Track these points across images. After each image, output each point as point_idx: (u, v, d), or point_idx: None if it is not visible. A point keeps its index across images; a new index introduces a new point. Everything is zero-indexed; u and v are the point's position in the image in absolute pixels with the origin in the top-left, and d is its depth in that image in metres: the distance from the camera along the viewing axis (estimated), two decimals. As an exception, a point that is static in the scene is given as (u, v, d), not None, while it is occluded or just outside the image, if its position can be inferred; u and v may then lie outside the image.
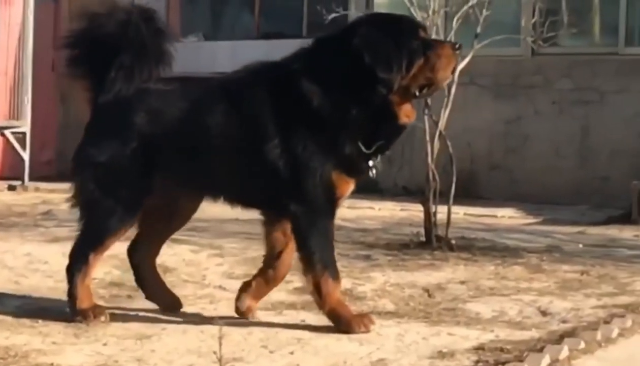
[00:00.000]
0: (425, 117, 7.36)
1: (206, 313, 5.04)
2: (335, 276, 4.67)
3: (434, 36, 7.17)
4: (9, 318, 4.84)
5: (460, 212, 9.04)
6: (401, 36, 4.63)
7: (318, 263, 4.63)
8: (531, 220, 9.73)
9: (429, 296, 5.62)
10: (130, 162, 4.74)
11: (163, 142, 4.75)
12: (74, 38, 4.99)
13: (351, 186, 4.72)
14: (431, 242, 7.29)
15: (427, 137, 7.41)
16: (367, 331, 4.63)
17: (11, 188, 12.21)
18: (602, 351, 4.44)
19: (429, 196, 7.38)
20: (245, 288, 4.95)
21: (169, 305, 5.06)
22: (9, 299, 5.32)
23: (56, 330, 4.65)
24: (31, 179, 12.49)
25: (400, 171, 11.60)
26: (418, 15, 7.30)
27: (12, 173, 12.66)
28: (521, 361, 4.13)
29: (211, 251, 6.89)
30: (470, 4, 7.77)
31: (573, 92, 11.35)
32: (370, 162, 4.69)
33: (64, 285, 4.93)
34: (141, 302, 5.28)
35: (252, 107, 4.66)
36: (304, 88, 4.59)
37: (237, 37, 13.67)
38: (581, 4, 11.76)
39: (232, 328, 4.60)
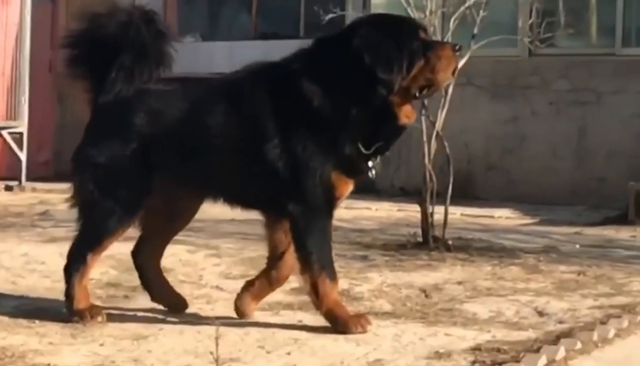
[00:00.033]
0: (423, 118, 7.36)
1: (203, 314, 5.04)
2: (333, 277, 4.68)
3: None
4: (6, 319, 4.84)
5: (457, 212, 9.04)
6: (401, 37, 4.63)
7: (315, 263, 4.63)
8: (528, 221, 9.74)
9: (426, 296, 5.63)
10: (129, 163, 4.74)
11: (163, 143, 4.75)
12: (75, 38, 4.99)
13: (350, 187, 4.73)
14: (428, 242, 7.30)
15: (424, 138, 7.42)
16: (364, 331, 4.63)
17: (8, 188, 12.21)
18: (599, 351, 4.44)
19: (426, 196, 7.39)
20: (247, 287, 4.94)
21: (174, 306, 5.05)
22: (6, 300, 5.32)
23: (53, 330, 4.65)
24: (28, 179, 12.48)
25: (397, 171, 11.61)
26: (415, 16, 7.29)
27: (9, 173, 12.66)
28: (518, 361, 4.13)
29: (208, 252, 6.89)
30: (467, 4, 7.78)
31: (570, 93, 11.35)
32: (370, 163, 4.69)
33: (61, 285, 4.93)
34: (138, 302, 5.28)
35: (252, 108, 4.67)
36: (304, 88, 4.60)
37: (234, 37, 13.67)
38: (578, 4, 11.77)
39: (229, 329, 4.61)
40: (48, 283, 5.75)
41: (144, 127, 4.75)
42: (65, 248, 4.94)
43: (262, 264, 6.43)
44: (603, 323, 4.90)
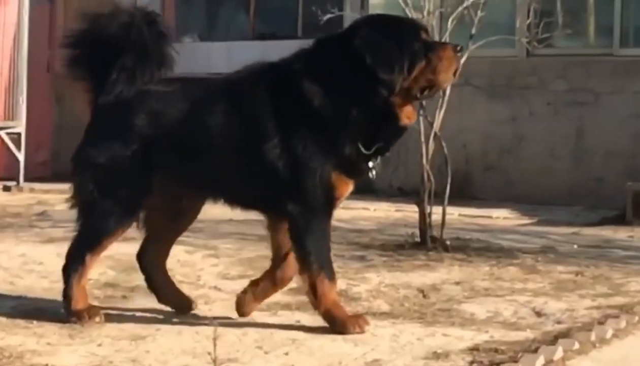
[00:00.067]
0: (420, 118, 7.35)
1: (201, 314, 5.04)
2: (331, 277, 4.68)
3: (429, 37, 7.17)
4: (3, 319, 4.84)
5: (455, 213, 9.04)
6: (403, 38, 4.62)
7: (314, 264, 4.63)
8: (526, 221, 9.74)
9: (424, 296, 5.63)
10: (129, 164, 4.74)
11: (164, 143, 4.75)
12: (76, 38, 4.98)
13: (350, 187, 4.73)
14: (426, 243, 7.30)
15: (422, 138, 7.42)
16: (362, 332, 4.63)
17: (6, 189, 12.21)
18: (597, 352, 4.44)
19: (423, 196, 7.39)
20: (251, 287, 4.93)
21: (182, 307, 5.04)
22: (4, 300, 5.32)
23: (51, 330, 4.65)
24: (26, 179, 12.48)
25: (395, 171, 11.60)
26: (413, 16, 7.30)
27: (7, 174, 12.65)
28: (515, 362, 4.14)
29: (206, 252, 6.89)
30: (465, 5, 7.79)
31: (568, 93, 11.36)
32: (370, 164, 4.69)
33: (58, 286, 4.93)
34: (136, 303, 5.29)
35: (252, 108, 4.66)
36: (304, 88, 4.59)
37: (232, 37, 13.66)
38: (576, 5, 11.77)
39: (227, 329, 4.61)
40: (46, 283, 5.75)
41: (144, 128, 4.75)
42: (63, 248, 4.94)
43: (261, 265, 6.45)
44: (601, 323, 4.90)
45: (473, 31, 7.72)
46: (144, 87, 4.83)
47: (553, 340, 4.52)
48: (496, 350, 4.35)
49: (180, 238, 5.22)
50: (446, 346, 4.45)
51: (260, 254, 6.86)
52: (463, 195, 10.32)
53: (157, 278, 5.08)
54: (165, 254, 5.12)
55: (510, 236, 8.34)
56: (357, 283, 5.95)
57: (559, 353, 4.26)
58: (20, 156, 12.53)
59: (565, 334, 4.65)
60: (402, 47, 4.59)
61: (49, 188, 11.58)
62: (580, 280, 6.21)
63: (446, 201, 7.43)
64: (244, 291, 4.96)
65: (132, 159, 4.74)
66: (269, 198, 4.70)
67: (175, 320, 4.91)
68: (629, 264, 6.90)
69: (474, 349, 4.40)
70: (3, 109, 12.65)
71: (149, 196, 4.81)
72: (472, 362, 4.20)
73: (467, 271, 6.48)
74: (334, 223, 4.88)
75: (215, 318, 4.72)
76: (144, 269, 5.10)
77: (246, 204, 4.91)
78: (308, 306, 4.84)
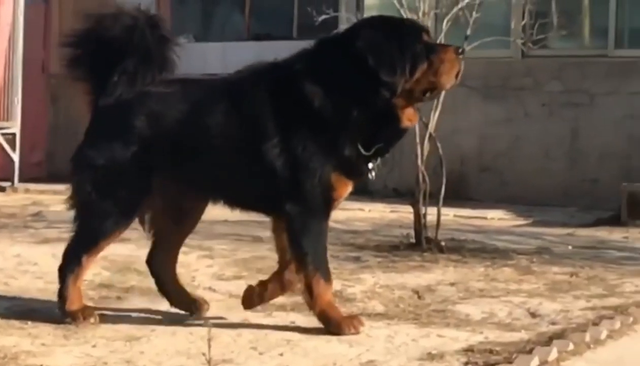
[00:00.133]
0: (415, 119, 7.35)
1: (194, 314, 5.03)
2: (327, 278, 4.68)
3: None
4: (-2, 320, 4.84)
5: (450, 214, 9.05)
6: (405, 39, 4.62)
7: (310, 264, 4.63)
8: (521, 222, 9.74)
9: (419, 297, 5.63)
10: (128, 166, 4.73)
11: (165, 145, 4.74)
12: (78, 38, 4.96)
13: (349, 188, 4.73)
14: (421, 244, 7.30)
15: (417, 139, 7.42)
16: (357, 332, 4.63)
17: (1, 189, 12.18)
18: (591, 352, 4.45)
19: (418, 197, 7.39)
20: (261, 286, 4.90)
21: (195, 309, 5.01)
22: (-2, 301, 5.32)
23: (46, 331, 4.64)
24: (21, 180, 12.46)
25: (390, 172, 11.59)
26: (408, 17, 7.30)
27: (2, 174, 12.62)
28: (510, 362, 4.14)
29: (201, 253, 6.89)
30: (460, 6, 7.79)
31: (563, 94, 11.37)
32: (370, 165, 4.69)
33: (53, 286, 4.93)
34: (130, 304, 5.28)
35: (253, 108, 4.66)
36: (305, 89, 4.59)
37: (227, 38, 13.66)
38: (571, 6, 11.78)
39: (222, 330, 4.61)
40: (41, 284, 5.74)
41: (144, 129, 4.75)
42: (58, 249, 4.93)
43: (255, 266, 6.46)
44: (595, 324, 4.91)
45: (468, 32, 7.72)
46: (144, 89, 4.83)
47: (547, 340, 4.53)
48: (491, 351, 4.35)
49: (175, 239, 5.21)
50: (441, 347, 4.45)
51: (255, 255, 6.87)
52: (458, 196, 10.32)
53: (167, 283, 5.08)
54: (174, 257, 5.10)
55: (505, 237, 8.34)
56: (352, 284, 5.95)
57: (553, 354, 4.26)
58: (15, 157, 12.51)
59: (560, 335, 4.65)
60: (404, 49, 4.59)
61: (44, 189, 11.57)
62: (575, 281, 6.21)
63: (441, 202, 7.43)
64: (252, 288, 4.93)
65: (131, 161, 4.73)
66: (269, 198, 4.70)
67: (169, 320, 4.90)
68: (624, 265, 6.90)
69: (469, 350, 4.40)
70: (-2, 109, 12.64)
71: (148, 198, 4.81)
72: (466, 363, 4.20)
73: (462, 272, 6.48)
74: (329, 223, 4.87)
75: (209, 318, 4.72)
76: (154, 274, 5.10)
77: (246, 205, 4.90)
78: (303, 307, 4.84)
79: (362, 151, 4.62)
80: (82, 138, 4.93)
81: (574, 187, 11.10)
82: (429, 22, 7.69)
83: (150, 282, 5.61)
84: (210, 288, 5.77)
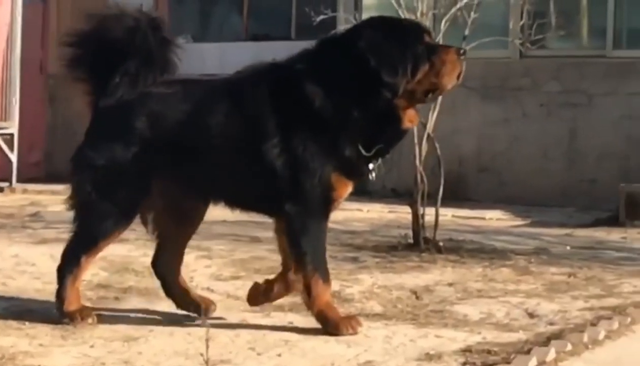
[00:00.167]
0: (414, 120, 7.35)
1: (194, 315, 5.03)
2: (326, 278, 4.68)
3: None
4: (-5, 320, 4.84)
5: (448, 214, 9.05)
6: (406, 40, 4.62)
7: (309, 264, 4.63)
8: (519, 222, 9.75)
9: (417, 298, 5.63)
10: (128, 167, 4.73)
11: (165, 146, 4.73)
12: (79, 38, 4.95)
13: (349, 189, 4.73)
14: (419, 244, 7.30)
15: (416, 140, 7.42)
16: (355, 333, 4.63)
17: (-1, 190, 12.20)
18: (589, 353, 4.45)
19: (417, 198, 7.39)
20: (267, 285, 4.90)
21: (202, 311, 4.98)
22: (-4, 301, 5.32)
23: (43, 332, 4.64)
24: (19, 180, 12.45)
25: (388, 173, 11.56)
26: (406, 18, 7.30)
27: (0, 175, 12.62)
28: (508, 363, 4.14)
29: (199, 253, 6.88)
30: (458, 6, 7.79)
31: (561, 95, 11.37)
32: (371, 166, 4.69)
33: (51, 287, 4.92)
34: (128, 304, 5.28)
35: (253, 108, 4.66)
36: (306, 89, 4.59)
37: (225, 38, 13.66)
38: (569, 6, 11.79)
39: (220, 330, 4.60)
40: (38, 284, 5.74)
41: (145, 130, 4.74)
42: (56, 249, 4.93)
43: (253, 266, 6.46)
44: (593, 324, 4.91)
45: (466, 32, 7.72)
46: (145, 89, 4.82)
47: (545, 341, 4.53)
48: (489, 351, 4.35)
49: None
50: (439, 348, 4.45)
51: (253, 255, 6.87)
52: (456, 196, 10.32)
53: (172, 285, 5.07)
54: (179, 259, 5.09)
55: (504, 237, 8.34)
56: (350, 284, 5.95)
57: (551, 354, 4.26)
58: (13, 157, 12.50)
59: (558, 335, 4.65)
60: (405, 49, 4.59)
61: (42, 189, 11.56)
62: (573, 281, 6.21)
63: (439, 202, 7.43)
64: (259, 286, 4.92)
65: (131, 162, 4.73)
66: (269, 198, 4.69)
67: (167, 321, 4.90)
68: (622, 265, 6.90)
69: (467, 350, 4.40)
70: (-4, 110, 12.63)
71: (147, 198, 4.80)
72: (464, 363, 4.20)
73: (460, 272, 6.48)
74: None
75: (207, 318, 4.72)
76: (159, 276, 5.09)
77: (247, 205, 4.90)
78: (301, 308, 4.84)
79: (363, 151, 4.62)
80: (81, 138, 4.92)
81: (572, 187, 11.11)
82: (427, 23, 7.69)
83: (148, 282, 5.62)
84: (208, 289, 5.76)
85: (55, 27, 13.71)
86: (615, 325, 4.90)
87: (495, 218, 9.99)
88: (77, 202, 4.84)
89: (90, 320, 4.76)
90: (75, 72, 4.96)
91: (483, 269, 6.60)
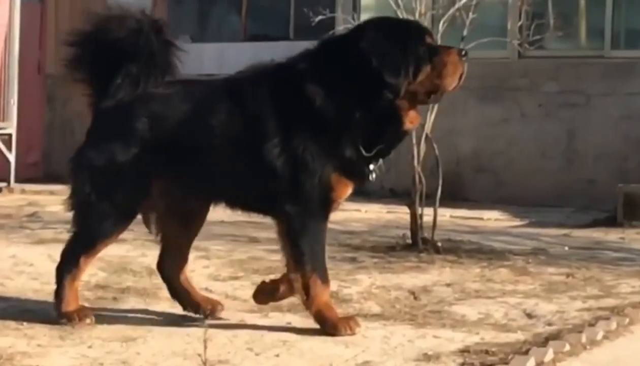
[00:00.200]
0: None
1: (192, 316, 5.03)
2: (324, 279, 4.67)
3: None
4: (-7, 321, 4.84)
5: (446, 214, 9.05)
6: (408, 41, 4.62)
7: (308, 264, 4.63)
8: (517, 223, 9.75)
9: (415, 298, 5.63)
10: (128, 168, 4.72)
11: (166, 146, 4.73)
12: (81, 38, 4.94)
13: (349, 189, 4.73)
14: (417, 244, 7.30)
15: (414, 140, 7.42)
16: (353, 333, 4.63)
17: (-3, 190, 12.19)
18: (587, 353, 4.45)
19: (415, 198, 7.39)
20: (272, 285, 4.89)
21: (208, 312, 4.97)
22: (-6, 302, 5.31)
23: (41, 332, 4.64)
24: (17, 181, 12.44)
25: (386, 173, 11.56)
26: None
27: (-2, 175, 12.63)
28: (506, 363, 4.14)
29: (197, 254, 6.87)
30: (456, 6, 7.79)
31: (559, 95, 11.38)
32: (371, 166, 4.69)
33: (49, 287, 4.92)
34: (126, 304, 5.28)
35: (254, 108, 4.66)
36: (307, 89, 4.59)
37: (224, 39, 13.66)
38: (567, 7, 11.79)
39: (218, 331, 4.60)
40: (36, 284, 5.74)
41: (145, 131, 4.74)
42: (54, 249, 4.93)
43: (251, 266, 6.46)
44: (591, 325, 4.91)
45: (465, 33, 7.72)
46: (145, 90, 4.82)
47: (544, 341, 4.53)
48: (487, 352, 4.35)
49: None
50: (437, 348, 4.45)
51: (251, 255, 6.88)
52: (454, 197, 10.33)
53: (178, 287, 5.06)
54: (183, 260, 5.08)
55: (502, 237, 8.35)
56: (348, 284, 5.95)
57: (549, 354, 4.26)
58: (11, 157, 12.49)
59: (556, 336, 4.65)
60: (407, 50, 4.59)
61: (40, 189, 11.56)
62: (571, 282, 6.21)
63: (437, 203, 7.43)
64: (265, 285, 4.92)
65: (131, 163, 4.73)
66: (269, 198, 4.69)
67: (165, 321, 4.90)
68: (620, 266, 6.90)
69: (465, 351, 4.40)
70: (-6, 110, 12.62)
71: (147, 199, 4.80)
72: (462, 364, 4.20)
73: (458, 272, 6.48)
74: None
75: (205, 318, 4.71)
76: (164, 278, 5.09)
77: (247, 206, 4.89)
78: (299, 308, 4.84)
79: (364, 152, 4.62)
80: (79, 138, 4.92)
81: (571, 188, 11.11)
82: (425, 23, 7.69)
83: (146, 283, 5.63)
84: (206, 289, 5.75)
85: (53, 28, 13.71)
86: (613, 326, 4.90)
87: (493, 218, 9.99)
88: (77, 202, 4.84)
89: (88, 321, 4.76)
90: (76, 72, 4.96)
91: (481, 269, 6.60)
